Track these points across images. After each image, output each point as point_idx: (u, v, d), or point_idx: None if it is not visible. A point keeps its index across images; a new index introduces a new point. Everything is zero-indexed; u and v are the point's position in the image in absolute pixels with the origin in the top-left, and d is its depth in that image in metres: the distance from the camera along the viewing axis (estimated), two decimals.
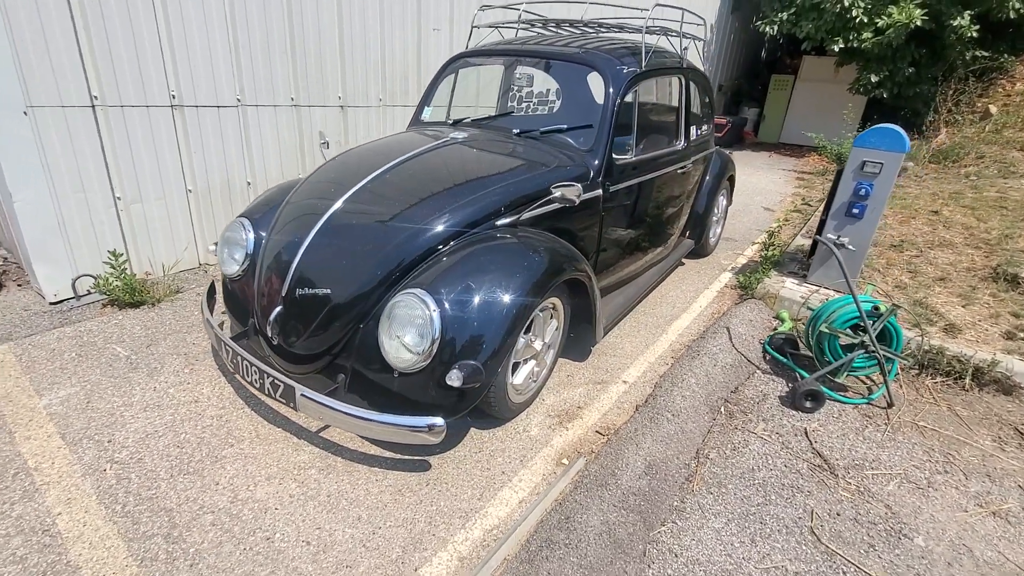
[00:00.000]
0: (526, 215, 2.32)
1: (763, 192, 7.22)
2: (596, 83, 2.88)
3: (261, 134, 3.74)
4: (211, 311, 2.49)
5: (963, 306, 3.44)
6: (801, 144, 10.78)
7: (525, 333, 2.21)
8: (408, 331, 1.91)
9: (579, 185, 2.18)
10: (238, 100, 3.54)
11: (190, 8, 3.18)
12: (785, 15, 8.94)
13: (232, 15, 3.37)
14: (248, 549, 1.72)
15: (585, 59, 2.85)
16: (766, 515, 2.04)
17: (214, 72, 3.37)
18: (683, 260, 4.40)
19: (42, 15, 2.66)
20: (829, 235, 3.47)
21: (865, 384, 2.92)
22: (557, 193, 2.20)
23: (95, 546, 1.70)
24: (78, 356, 2.64)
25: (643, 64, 2.89)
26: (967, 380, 2.88)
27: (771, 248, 4.09)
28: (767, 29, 9.27)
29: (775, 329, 3.37)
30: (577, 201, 2.21)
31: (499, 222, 2.27)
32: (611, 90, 2.70)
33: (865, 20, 7.95)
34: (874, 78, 8.46)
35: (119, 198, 3.17)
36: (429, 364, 1.88)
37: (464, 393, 1.91)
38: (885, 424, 2.62)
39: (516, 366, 2.29)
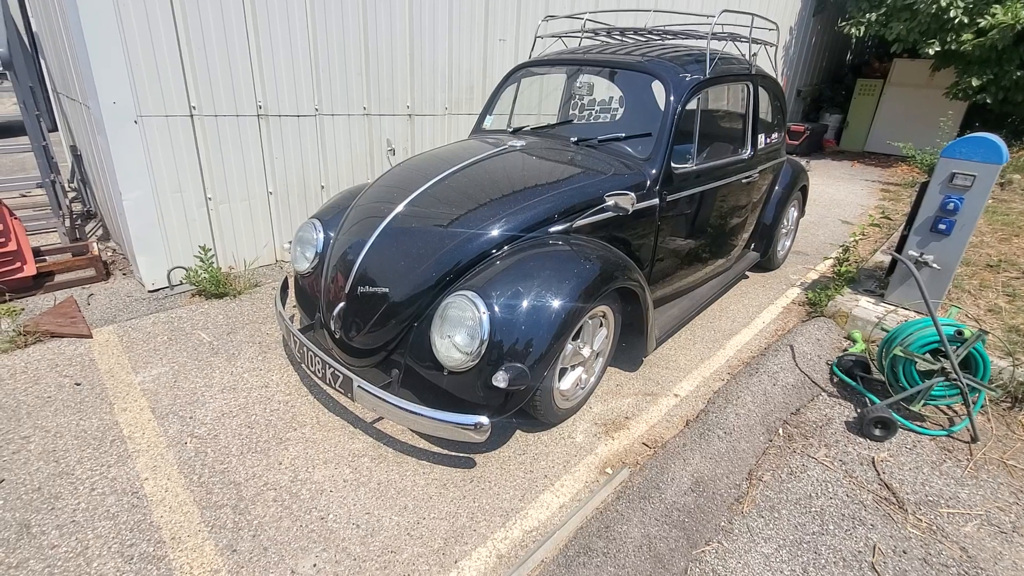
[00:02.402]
0: (579, 222, 2.34)
1: (842, 204, 6.78)
2: (658, 91, 2.85)
3: (335, 141, 3.99)
4: (283, 304, 2.69)
5: None
6: (888, 153, 10.01)
7: (573, 340, 2.22)
8: (458, 331, 1.98)
9: (632, 194, 2.17)
10: (316, 110, 3.81)
11: (277, 29, 3.47)
12: (873, 16, 8.37)
13: (314, 34, 3.64)
14: (304, 526, 1.85)
15: (646, 67, 2.84)
16: (821, 545, 1.93)
17: (296, 84, 3.65)
18: (747, 273, 4.23)
19: (153, 37, 3.00)
20: (911, 252, 3.22)
21: (946, 415, 2.69)
22: (610, 201, 2.20)
23: (174, 510, 1.89)
24: (169, 339, 2.93)
25: (707, 71, 2.83)
26: None
27: (845, 264, 3.85)
28: (853, 31, 8.72)
29: (845, 350, 3.17)
30: (630, 210, 2.20)
31: (552, 229, 2.31)
32: (671, 98, 2.67)
33: (965, 21, 7.29)
34: (975, 82, 7.73)
35: (210, 198, 3.50)
36: (477, 364, 1.94)
37: (510, 394, 1.96)
38: (967, 460, 2.40)
39: (563, 372, 2.30)
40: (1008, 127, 8.86)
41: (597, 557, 1.74)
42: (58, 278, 3.46)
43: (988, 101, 7.95)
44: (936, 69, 8.55)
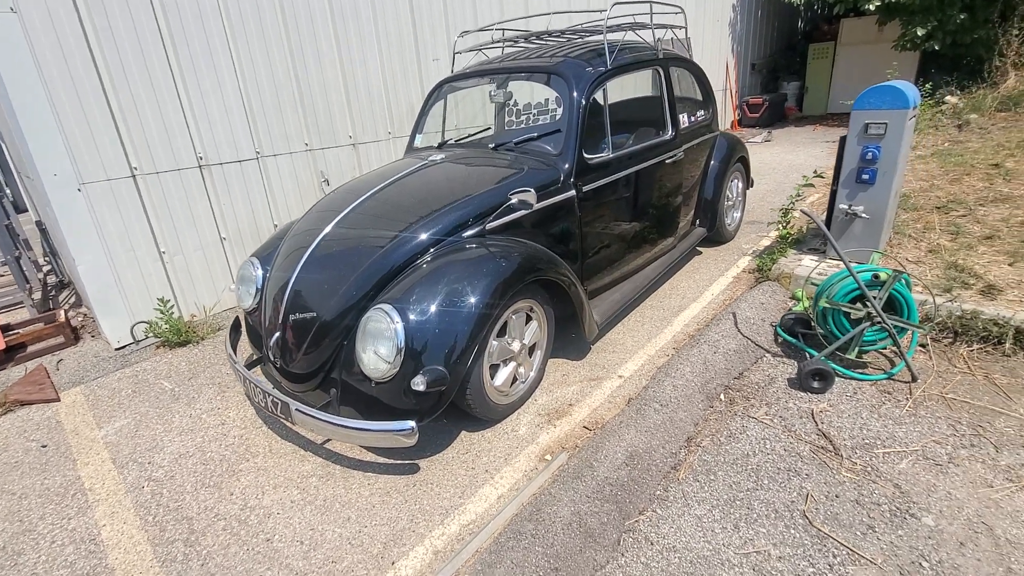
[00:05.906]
0: (492, 224, 2.43)
1: (801, 168, 6.83)
2: (565, 87, 2.94)
3: (281, 180, 4.12)
4: (233, 343, 2.78)
5: (1009, 264, 3.11)
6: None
7: (499, 336, 2.30)
8: (380, 344, 2.06)
9: (533, 190, 2.26)
10: (257, 153, 3.94)
11: (206, 79, 3.61)
12: None
13: (243, 78, 3.78)
14: (251, 550, 1.92)
15: (548, 67, 2.94)
16: (755, 500, 1.98)
17: (233, 132, 3.79)
18: (699, 249, 4.29)
19: (84, 105, 3.15)
20: (841, 205, 3.28)
21: (888, 359, 2.73)
22: (514, 200, 2.29)
23: (128, 551, 1.97)
24: (133, 392, 3.03)
25: (609, 63, 2.93)
26: (1008, 344, 2.61)
27: (785, 226, 3.91)
28: (794, 0, 8.84)
29: (790, 309, 3.22)
30: (535, 205, 2.29)
31: (466, 233, 2.39)
32: (575, 93, 2.76)
33: None
34: (921, 31, 7.81)
35: (163, 252, 3.62)
36: (399, 372, 2.02)
37: (432, 396, 2.03)
38: (906, 399, 2.44)
39: (495, 368, 2.38)
40: (963, 69, 8.90)
41: (526, 539, 1.80)
42: (30, 348, 3.58)
43: (937, 47, 8.01)
44: (882, 24, 8.64)
